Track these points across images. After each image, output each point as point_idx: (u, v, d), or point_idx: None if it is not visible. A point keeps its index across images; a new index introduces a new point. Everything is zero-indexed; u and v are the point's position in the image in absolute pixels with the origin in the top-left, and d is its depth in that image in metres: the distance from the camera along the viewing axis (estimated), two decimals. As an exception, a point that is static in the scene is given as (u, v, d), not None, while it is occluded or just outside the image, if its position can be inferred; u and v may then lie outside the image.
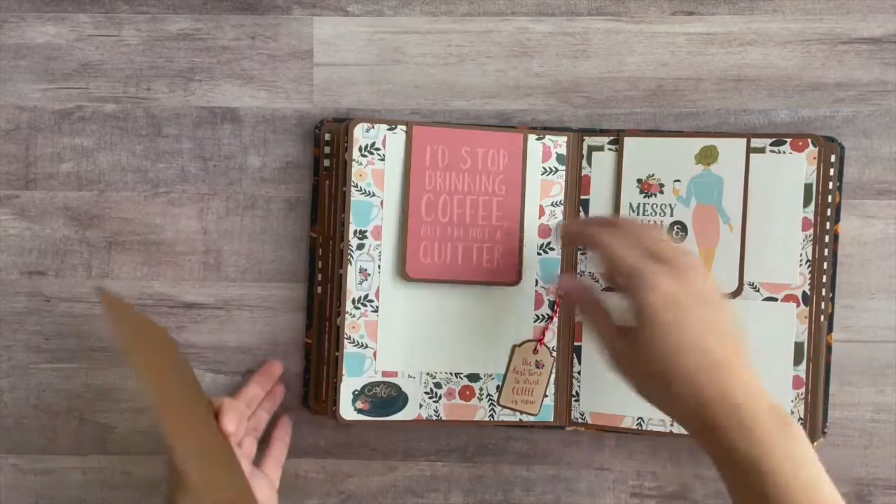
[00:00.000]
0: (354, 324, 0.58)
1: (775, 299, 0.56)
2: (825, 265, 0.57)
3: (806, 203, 0.56)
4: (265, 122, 0.62)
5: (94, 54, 0.63)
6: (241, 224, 0.62)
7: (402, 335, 0.59)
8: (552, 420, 0.60)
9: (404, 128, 0.58)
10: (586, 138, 0.60)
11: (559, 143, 0.60)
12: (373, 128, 0.58)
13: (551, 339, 0.60)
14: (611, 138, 0.59)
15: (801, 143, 0.56)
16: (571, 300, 0.57)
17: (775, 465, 0.42)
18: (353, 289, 0.58)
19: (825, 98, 0.62)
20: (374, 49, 0.63)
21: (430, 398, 0.59)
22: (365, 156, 0.58)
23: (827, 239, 0.57)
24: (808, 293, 0.56)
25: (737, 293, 0.57)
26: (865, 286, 0.61)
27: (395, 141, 0.58)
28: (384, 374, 0.58)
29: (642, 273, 0.46)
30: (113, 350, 0.62)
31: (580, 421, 0.59)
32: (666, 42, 0.62)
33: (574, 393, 0.59)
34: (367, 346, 0.58)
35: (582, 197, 0.60)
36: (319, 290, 0.60)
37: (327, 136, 0.60)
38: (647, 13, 0.62)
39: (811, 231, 0.56)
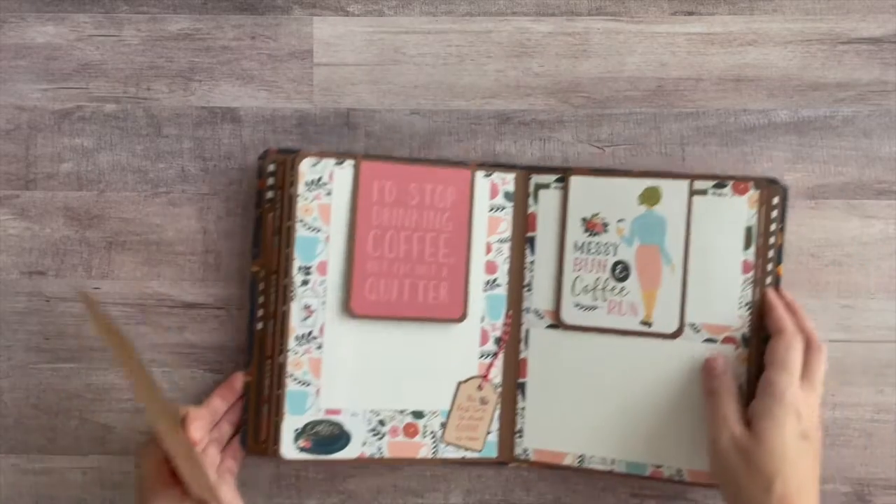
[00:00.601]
0: (297, 361, 0.56)
1: (715, 341, 0.57)
2: None
3: (746, 246, 0.57)
4: (265, 122, 0.62)
5: (94, 54, 0.63)
6: (241, 224, 0.62)
7: (346, 372, 0.57)
8: (496, 456, 0.60)
9: (352, 162, 0.57)
10: (533, 176, 0.60)
11: (507, 180, 0.60)
12: (320, 162, 0.57)
13: (496, 375, 0.60)
14: (557, 176, 0.59)
15: (742, 186, 0.57)
16: (714, 375, 0.56)
17: None
18: (296, 326, 0.56)
19: (825, 98, 0.62)
20: (374, 49, 0.63)
21: (374, 436, 0.58)
22: (311, 190, 0.57)
23: (769, 280, 0.57)
24: (748, 335, 0.56)
25: (677, 334, 0.57)
26: (865, 286, 0.61)
27: (342, 176, 0.57)
28: (327, 411, 0.57)
29: (783, 386, 0.52)
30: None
31: (523, 457, 0.60)
32: (666, 42, 0.62)
33: (518, 429, 0.60)
34: (309, 384, 0.57)
35: (528, 234, 0.60)
36: (260, 325, 0.58)
37: (271, 167, 0.58)
38: (647, 13, 0.62)
39: (751, 273, 0.56)
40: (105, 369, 0.62)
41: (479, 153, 0.62)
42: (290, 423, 0.56)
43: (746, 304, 0.56)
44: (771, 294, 0.56)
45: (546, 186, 0.59)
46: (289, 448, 0.57)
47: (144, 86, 0.63)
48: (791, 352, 0.53)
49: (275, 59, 0.63)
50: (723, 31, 0.62)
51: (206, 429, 0.55)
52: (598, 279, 0.58)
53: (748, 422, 0.53)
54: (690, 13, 0.62)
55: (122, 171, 0.62)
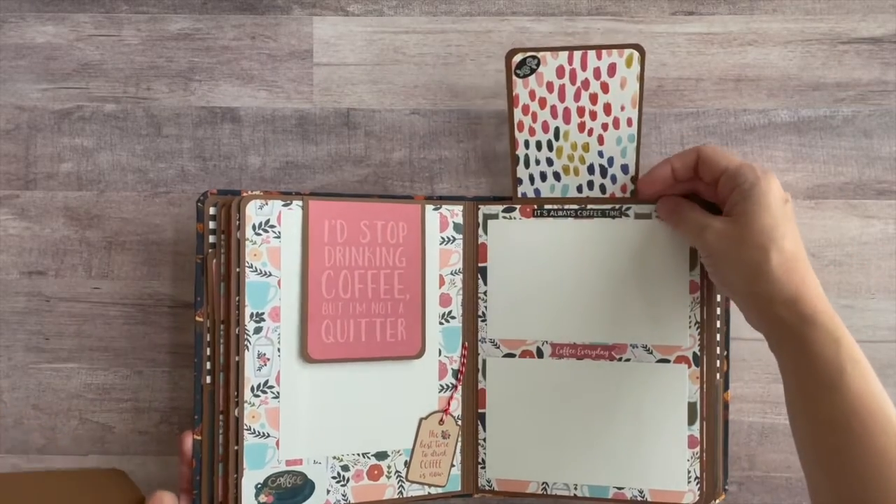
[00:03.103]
0: (254, 413, 0.54)
1: (668, 361, 0.57)
2: (718, 323, 0.57)
3: (692, 266, 0.57)
4: (265, 122, 0.62)
5: (94, 54, 0.63)
6: (241, 224, 0.62)
7: (305, 420, 0.55)
8: (460, 489, 0.59)
9: (300, 203, 0.55)
10: (481, 207, 0.60)
11: (455, 213, 0.59)
12: (266, 204, 0.55)
13: (456, 407, 0.59)
14: (504, 206, 0.59)
15: None
16: (670, 207, 0.56)
17: (852, 342, 0.49)
18: (251, 375, 0.54)
19: (825, 98, 0.62)
20: (374, 49, 0.63)
21: (338, 482, 0.56)
22: (259, 234, 0.54)
23: (719, 298, 0.57)
24: (699, 354, 0.57)
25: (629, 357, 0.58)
26: (865, 286, 0.61)
27: (290, 216, 0.55)
28: (288, 462, 0.55)
29: (753, 168, 0.52)
30: (113, 350, 0.62)
31: (487, 488, 0.59)
32: (666, 42, 0.62)
33: (480, 460, 0.60)
34: (268, 436, 0.54)
35: (480, 264, 0.60)
36: (209, 379, 0.55)
37: (212, 210, 0.55)
38: (647, 13, 0.62)
39: (698, 293, 0.57)
40: (105, 369, 0.62)
41: (479, 153, 0.62)
42: (250, 479, 0.54)
43: (696, 324, 0.57)
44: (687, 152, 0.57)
45: (494, 217, 0.60)
46: None
47: (144, 86, 0.63)
48: (723, 151, 0.54)
49: (275, 59, 0.63)
50: (723, 31, 0.62)
51: None
52: None
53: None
54: (690, 13, 0.62)
55: (122, 171, 0.62)
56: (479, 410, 0.60)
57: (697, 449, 0.57)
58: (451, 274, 0.59)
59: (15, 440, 0.62)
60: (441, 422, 0.59)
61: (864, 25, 0.62)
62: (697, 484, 0.57)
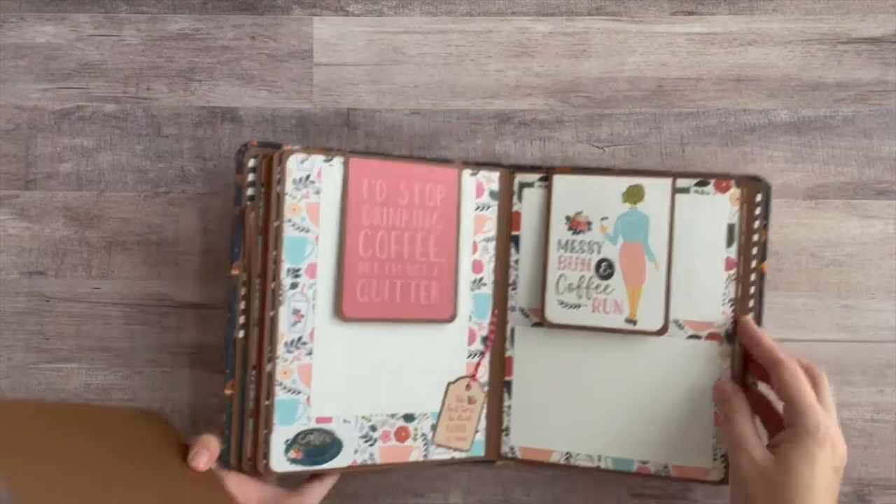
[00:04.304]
0: (287, 368, 0.54)
1: (699, 337, 0.57)
2: (751, 303, 0.57)
3: (729, 243, 0.57)
4: (265, 122, 0.62)
5: (94, 54, 0.63)
6: (241, 224, 0.62)
7: (337, 378, 0.55)
8: (483, 455, 0.60)
9: (341, 159, 0.55)
10: (517, 175, 0.60)
11: (492, 179, 0.59)
12: (307, 159, 0.54)
13: (483, 374, 0.60)
14: (541, 175, 0.59)
15: (724, 184, 0.57)
16: (725, 398, 0.55)
17: None
18: (285, 331, 0.54)
19: (825, 98, 0.62)
20: (374, 49, 0.63)
21: (366, 442, 0.56)
22: (299, 189, 0.54)
23: (752, 277, 0.57)
24: (731, 332, 0.57)
25: (662, 331, 0.57)
26: (865, 286, 0.61)
27: (331, 173, 0.55)
28: (318, 419, 0.55)
29: (818, 418, 0.50)
30: (113, 350, 0.62)
31: (510, 455, 0.60)
32: (666, 42, 0.62)
33: (504, 427, 0.60)
34: (299, 392, 0.54)
35: (513, 233, 0.60)
36: (242, 334, 0.54)
37: (252, 163, 0.54)
38: (647, 13, 0.62)
39: (735, 270, 0.57)
40: (105, 369, 0.62)
41: (479, 153, 0.62)
42: (280, 435, 0.54)
43: (729, 301, 0.57)
44: (751, 324, 0.56)
45: (530, 185, 0.59)
46: (279, 460, 0.54)
47: (144, 86, 0.63)
48: (803, 381, 0.52)
49: (275, 59, 0.63)
50: (723, 31, 0.62)
51: (210, 455, 0.53)
52: (582, 277, 0.58)
53: (771, 444, 0.52)
54: (690, 13, 0.62)
55: (122, 171, 0.62)
56: (506, 378, 0.60)
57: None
58: (485, 241, 0.59)
59: (15, 440, 0.62)
60: (468, 387, 0.59)
61: (864, 25, 0.62)
62: (723, 461, 0.56)
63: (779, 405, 0.53)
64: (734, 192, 0.57)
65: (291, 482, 0.56)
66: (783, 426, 0.52)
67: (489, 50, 0.62)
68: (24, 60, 0.63)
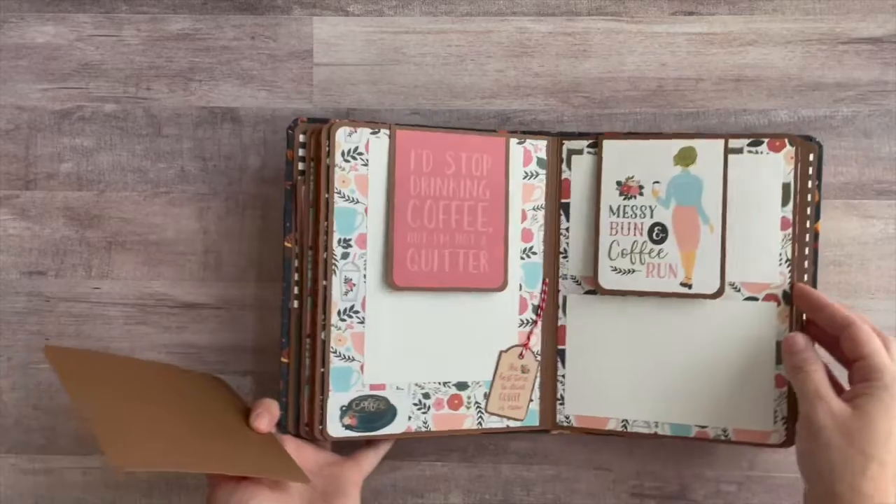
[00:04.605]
0: (340, 336, 0.56)
1: (756, 299, 0.57)
2: (806, 264, 0.57)
3: (784, 202, 0.56)
4: (265, 122, 0.62)
5: (94, 54, 0.63)
6: (241, 224, 0.62)
7: (389, 346, 0.57)
8: (538, 424, 0.60)
9: (387, 132, 0.56)
10: (566, 142, 0.60)
11: (539, 147, 0.60)
12: (355, 132, 0.56)
13: (535, 343, 0.60)
14: (590, 142, 0.59)
15: (778, 144, 0.56)
16: (797, 349, 0.55)
17: None
18: (338, 300, 0.55)
19: (825, 98, 0.62)
20: (374, 49, 0.63)
21: (419, 409, 0.58)
22: (348, 161, 0.56)
23: (807, 238, 0.57)
24: (789, 292, 0.56)
25: (718, 294, 0.57)
26: (865, 286, 0.61)
27: (378, 145, 0.56)
28: (372, 387, 0.56)
29: (895, 374, 0.51)
30: (113, 350, 0.62)
31: (565, 424, 0.60)
32: (666, 42, 0.62)
33: (559, 396, 0.60)
34: (353, 360, 0.56)
35: (562, 201, 0.60)
36: (296, 304, 0.57)
37: (301, 138, 0.56)
38: (647, 13, 0.62)
39: (790, 230, 0.56)
40: (105, 369, 0.62)
41: (479, 153, 0.62)
42: (336, 401, 0.56)
43: (786, 261, 0.56)
44: (810, 290, 0.56)
45: (579, 152, 0.59)
46: (335, 426, 0.56)
47: (144, 86, 0.63)
48: (876, 340, 0.52)
49: (275, 59, 0.63)
50: (723, 31, 0.62)
51: (271, 418, 0.55)
52: (635, 242, 0.58)
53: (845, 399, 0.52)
54: (690, 13, 0.62)
55: (122, 171, 0.62)
56: (559, 347, 0.60)
57: (785, 389, 0.56)
58: (534, 209, 0.60)
59: (15, 440, 0.62)
60: (521, 356, 0.59)
61: (864, 25, 0.62)
62: (784, 424, 0.56)
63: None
64: (788, 150, 0.56)
65: (347, 449, 0.58)
66: (840, 388, 0.52)
67: (489, 50, 0.63)
68: (25, 60, 0.63)
